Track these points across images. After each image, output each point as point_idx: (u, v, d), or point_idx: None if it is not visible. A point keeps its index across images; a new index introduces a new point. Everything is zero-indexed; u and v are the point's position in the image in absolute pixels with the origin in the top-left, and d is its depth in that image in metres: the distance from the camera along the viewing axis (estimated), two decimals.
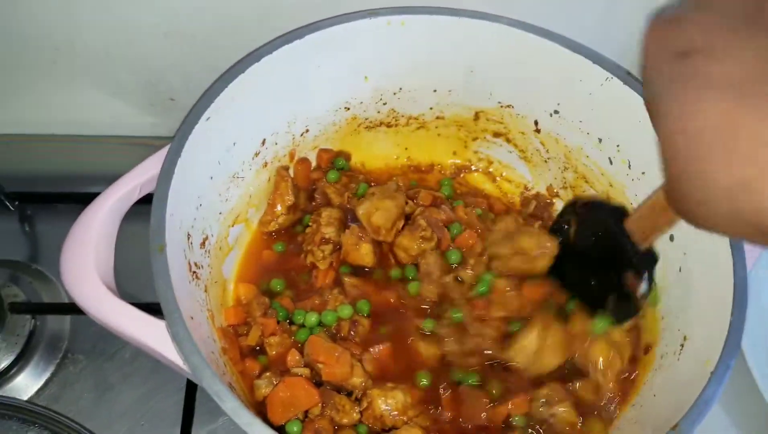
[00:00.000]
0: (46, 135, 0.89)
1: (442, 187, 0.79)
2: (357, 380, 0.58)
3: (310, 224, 0.70)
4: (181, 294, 0.49)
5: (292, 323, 0.64)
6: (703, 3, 0.32)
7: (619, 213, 0.53)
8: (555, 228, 0.62)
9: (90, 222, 0.50)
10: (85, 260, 0.49)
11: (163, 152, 0.54)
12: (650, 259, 0.53)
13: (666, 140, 0.32)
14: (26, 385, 0.70)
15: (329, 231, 0.68)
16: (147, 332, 0.46)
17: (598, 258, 0.57)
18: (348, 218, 0.71)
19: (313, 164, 0.77)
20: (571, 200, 0.61)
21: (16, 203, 0.81)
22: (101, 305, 0.47)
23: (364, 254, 0.67)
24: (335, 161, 0.76)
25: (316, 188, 0.75)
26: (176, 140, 0.54)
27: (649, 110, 0.34)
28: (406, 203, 0.72)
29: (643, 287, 0.52)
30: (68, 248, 0.50)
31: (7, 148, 0.88)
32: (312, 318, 0.62)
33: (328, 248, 0.68)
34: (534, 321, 0.59)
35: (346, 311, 0.63)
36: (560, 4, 0.73)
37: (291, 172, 0.75)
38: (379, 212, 0.68)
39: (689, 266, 0.59)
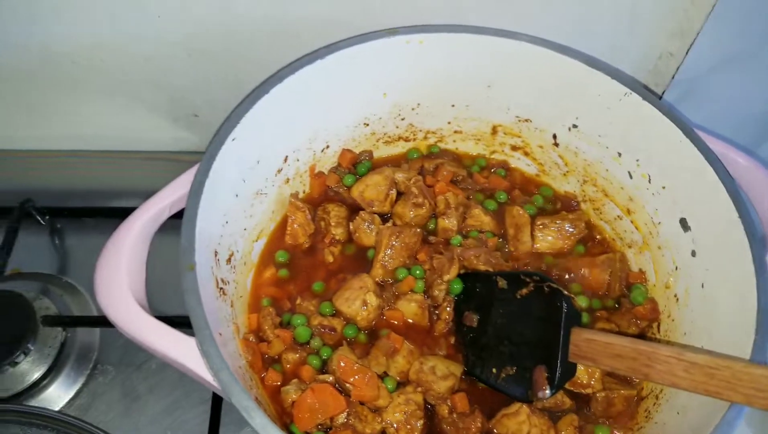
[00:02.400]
0: (73, 151, 0.92)
1: (474, 164, 0.81)
2: (383, 402, 0.59)
3: (319, 221, 0.73)
4: (210, 311, 0.50)
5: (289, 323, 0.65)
6: None
7: (576, 319, 0.57)
8: (513, 275, 0.64)
9: (122, 242, 0.52)
10: (119, 280, 0.50)
11: (190, 173, 0.56)
12: (570, 372, 0.57)
13: None
14: (58, 396, 0.72)
15: (338, 232, 0.72)
16: (177, 348, 0.48)
17: (522, 332, 0.60)
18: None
19: (334, 162, 0.78)
20: (544, 274, 0.63)
21: (47, 217, 0.84)
22: (134, 323, 0.49)
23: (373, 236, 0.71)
24: (358, 166, 0.78)
25: (329, 193, 0.77)
26: (204, 161, 0.56)
27: None
28: (421, 173, 0.76)
29: (546, 392, 0.55)
30: (101, 268, 0.51)
31: (37, 163, 0.91)
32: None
33: (337, 249, 0.71)
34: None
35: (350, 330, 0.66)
36: (579, 20, 0.74)
37: (306, 187, 0.76)
38: (369, 187, 0.73)
39: (712, 284, 0.59)
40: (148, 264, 0.56)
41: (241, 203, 0.64)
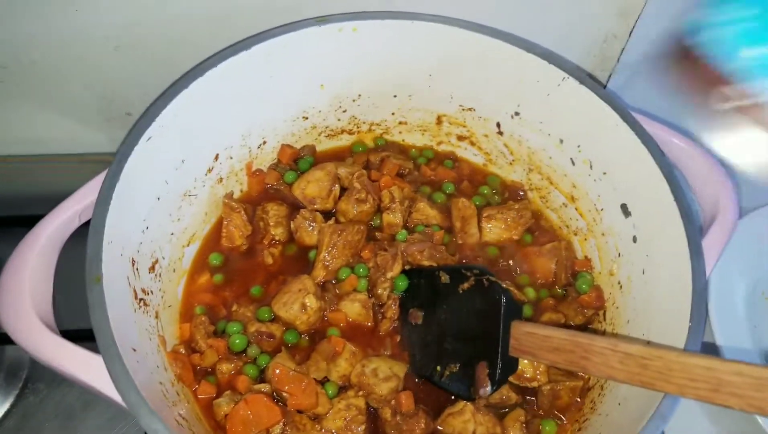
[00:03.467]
0: (2, 156, 0.87)
1: (421, 155, 0.78)
2: (322, 409, 0.56)
3: (257, 221, 0.70)
4: (123, 325, 0.47)
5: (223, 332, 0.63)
6: None
7: (516, 312, 0.55)
8: (454, 269, 0.62)
9: (25, 254, 0.48)
10: (20, 296, 0.47)
11: (101, 177, 0.52)
12: (512, 367, 0.56)
13: None
14: None
15: (278, 232, 0.69)
16: (83, 369, 0.44)
17: (465, 328, 0.59)
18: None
19: (273, 159, 0.75)
20: (484, 267, 0.62)
21: None
22: (36, 342, 0.45)
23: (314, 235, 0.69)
24: (299, 162, 0.75)
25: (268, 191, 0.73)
26: (114, 164, 0.52)
27: None
28: (367, 167, 0.74)
29: (487, 388, 0.54)
30: (3, 282, 0.48)
31: None
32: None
33: (278, 250, 0.68)
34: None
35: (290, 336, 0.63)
36: (523, 5, 0.72)
37: (243, 186, 0.73)
38: (310, 184, 0.70)
39: (652, 270, 0.58)
40: (62, 275, 0.52)
41: (164, 207, 0.61)
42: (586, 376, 0.62)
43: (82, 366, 0.44)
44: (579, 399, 0.60)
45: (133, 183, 0.53)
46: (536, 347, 0.51)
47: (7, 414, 0.68)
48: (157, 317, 0.57)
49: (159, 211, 0.60)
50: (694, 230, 0.52)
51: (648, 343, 0.55)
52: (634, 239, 0.61)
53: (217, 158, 0.68)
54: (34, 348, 0.45)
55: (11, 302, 0.46)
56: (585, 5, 0.73)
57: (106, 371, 0.43)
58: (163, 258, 0.61)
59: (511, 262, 0.69)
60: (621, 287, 0.63)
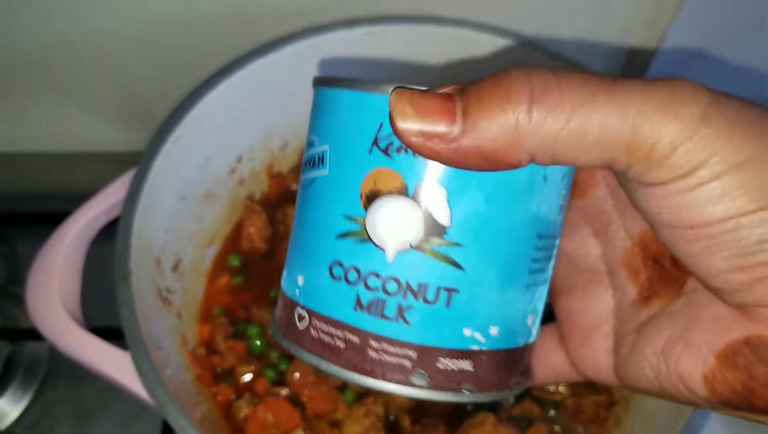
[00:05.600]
0: (22, 153, 0.87)
1: None
2: (341, 415, 0.56)
3: (278, 225, 0.69)
4: (149, 323, 0.47)
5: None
6: None
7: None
8: None
9: (54, 250, 0.49)
10: (50, 291, 0.47)
11: (129, 175, 0.52)
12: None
13: None
14: (4, 413, 0.68)
15: None
16: (112, 364, 0.44)
17: None
18: None
19: (294, 162, 0.74)
20: None
21: None
22: (65, 336, 0.45)
23: None
24: None
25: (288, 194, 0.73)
26: (142, 163, 0.52)
27: None
28: None
29: (510, 399, 0.54)
30: (32, 278, 0.48)
31: None
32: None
33: None
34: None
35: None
36: (550, 12, 0.71)
37: (263, 187, 0.73)
38: None
39: None
40: (89, 273, 0.52)
41: (188, 207, 0.61)
42: (611, 390, 0.61)
43: (111, 361, 0.44)
44: (603, 414, 0.59)
45: (160, 182, 0.53)
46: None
47: (26, 410, 0.68)
48: (179, 316, 0.57)
49: (183, 210, 0.60)
50: None
51: None
52: None
53: (240, 159, 0.68)
54: (63, 342, 0.45)
55: (41, 298, 0.46)
56: (610, 17, 0.72)
57: (133, 367, 0.43)
58: (186, 258, 0.61)
59: None
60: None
